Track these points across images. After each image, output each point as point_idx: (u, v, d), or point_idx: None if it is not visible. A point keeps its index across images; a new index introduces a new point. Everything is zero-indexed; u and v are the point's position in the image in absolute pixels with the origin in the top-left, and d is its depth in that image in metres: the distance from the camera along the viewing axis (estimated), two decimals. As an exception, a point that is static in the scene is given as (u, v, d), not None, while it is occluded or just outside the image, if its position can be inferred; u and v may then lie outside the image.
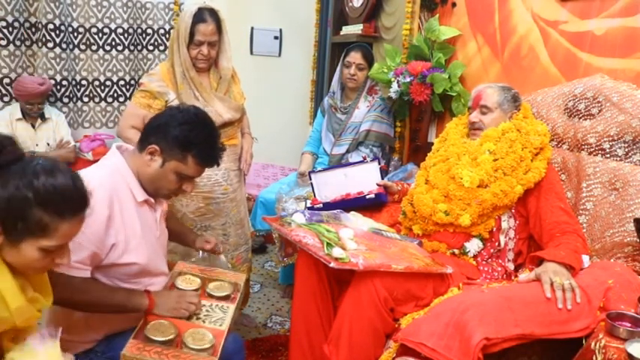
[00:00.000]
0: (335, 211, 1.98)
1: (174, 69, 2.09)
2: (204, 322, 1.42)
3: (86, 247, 1.35)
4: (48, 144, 3.27)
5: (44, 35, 3.40)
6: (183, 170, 1.46)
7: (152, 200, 1.53)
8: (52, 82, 3.45)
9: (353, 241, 1.64)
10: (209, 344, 1.32)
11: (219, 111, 2.12)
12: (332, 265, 1.49)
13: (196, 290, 1.55)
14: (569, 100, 1.99)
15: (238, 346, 1.57)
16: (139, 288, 1.48)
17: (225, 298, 1.55)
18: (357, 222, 1.95)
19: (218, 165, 1.55)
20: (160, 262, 1.59)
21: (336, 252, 1.53)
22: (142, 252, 1.47)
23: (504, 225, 1.83)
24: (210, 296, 1.54)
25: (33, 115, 3.20)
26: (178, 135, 1.44)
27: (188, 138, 1.44)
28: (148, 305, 1.39)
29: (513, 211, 1.84)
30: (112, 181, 1.43)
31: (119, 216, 1.42)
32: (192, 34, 2.05)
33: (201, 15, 2.05)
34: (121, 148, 1.56)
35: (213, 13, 2.09)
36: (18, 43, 3.33)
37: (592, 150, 1.88)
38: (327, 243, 1.58)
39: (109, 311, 1.42)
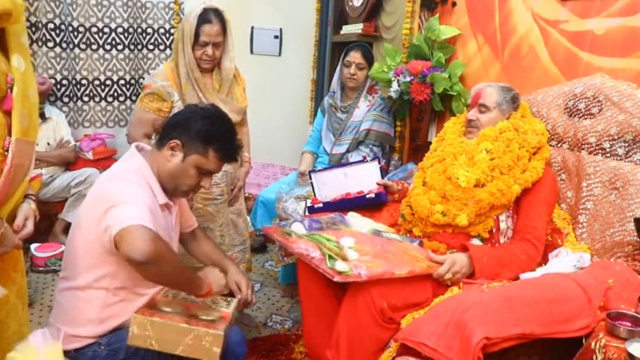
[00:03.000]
0: (333, 215, 1.98)
1: (179, 69, 2.08)
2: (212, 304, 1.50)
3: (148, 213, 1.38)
4: (48, 143, 3.27)
5: (44, 34, 3.41)
6: (204, 164, 1.49)
7: (171, 203, 1.55)
8: (52, 81, 3.45)
9: (354, 249, 1.64)
10: (217, 317, 1.39)
11: None
12: (336, 279, 1.49)
13: None
14: (570, 100, 1.99)
15: (240, 339, 1.60)
16: (149, 292, 1.51)
17: (228, 294, 1.62)
18: (356, 223, 1.95)
19: (236, 161, 1.59)
20: None
21: (339, 266, 1.53)
22: None
23: (502, 225, 1.83)
24: None
25: None
26: (200, 129, 1.47)
27: (210, 132, 1.48)
28: (207, 289, 1.48)
29: (511, 211, 1.84)
30: (139, 181, 1.46)
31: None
32: (197, 35, 2.04)
33: (207, 15, 2.04)
34: (139, 147, 1.57)
35: (219, 14, 2.07)
36: (18, 42, 3.32)
37: (592, 149, 1.89)
38: (330, 256, 1.58)
39: (179, 280, 1.43)
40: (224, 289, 1.53)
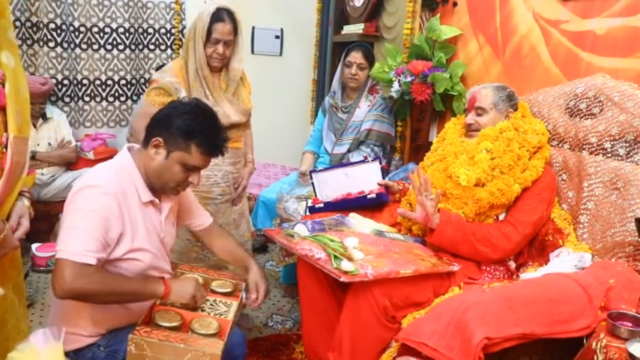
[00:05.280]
0: (335, 217, 1.98)
1: (188, 67, 2.11)
2: (209, 314, 1.46)
3: (95, 237, 1.34)
4: (49, 144, 3.27)
5: (45, 35, 3.41)
6: (187, 160, 1.47)
7: (157, 201, 1.54)
8: (54, 81, 3.46)
9: (358, 249, 1.64)
10: (215, 330, 1.36)
11: (227, 112, 2.14)
12: (342, 279, 1.49)
13: None
14: (571, 100, 1.99)
15: (240, 339, 1.60)
16: None
17: (229, 294, 1.59)
18: (358, 225, 1.95)
19: (223, 154, 1.55)
20: (164, 262, 1.60)
21: (345, 265, 1.53)
22: (146, 251, 1.49)
23: (502, 225, 1.83)
24: (214, 292, 1.59)
25: (34, 114, 3.19)
26: (181, 125, 1.45)
27: (190, 127, 1.45)
28: (164, 291, 1.41)
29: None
30: (119, 180, 1.44)
31: (126, 213, 1.43)
32: (209, 33, 2.08)
33: (220, 14, 2.09)
34: (132, 148, 1.57)
35: (231, 14, 2.12)
36: (19, 42, 3.33)
37: (593, 149, 1.88)
38: (335, 256, 1.58)
39: (126, 300, 1.42)
40: (184, 301, 1.44)
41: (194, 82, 2.11)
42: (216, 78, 2.19)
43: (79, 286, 1.28)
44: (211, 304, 1.52)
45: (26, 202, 1.38)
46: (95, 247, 1.33)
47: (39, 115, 3.22)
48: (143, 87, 3.90)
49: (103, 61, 3.67)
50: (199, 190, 2.16)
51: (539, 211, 1.81)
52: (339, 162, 2.81)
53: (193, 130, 1.45)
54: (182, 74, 2.13)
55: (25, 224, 1.35)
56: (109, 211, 1.38)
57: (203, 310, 1.47)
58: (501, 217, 1.83)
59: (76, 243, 1.31)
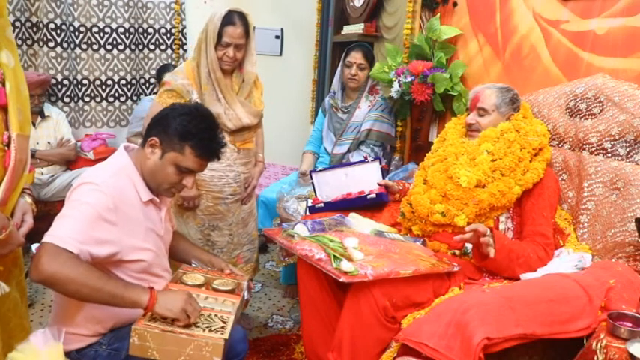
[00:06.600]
0: (335, 217, 1.98)
1: (200, 69, 2.12)
2: (203, 330, 1.33)
3: (82, 227, 1.32)
4: (49, 142, 3.27)
5: (45, 35, 3.41)
6: (181, 162, 1.47)
7: (157, 200, 1.55)
8: (54, 81, 3.46)
9: (358, 249, 1.64)
10: (218, 326, 1.35)
11: (239, 115, 2.15)
12: (342, 279, 1.49)
13: (201, 286, 1.58)
14: (571, 100, 1.99)
15: (242, 336, 1.60)
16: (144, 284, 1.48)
17: (230, 291, 1.59)
18: (358, 225, 1.95)
19: (218, 159, 1.55)
20: (164, 260, 1.61)
21: (345, 266, 1.53)
22: (147, 250, 1.50)
23: (502, 227, 1.83)
24: (215, 290, 1.58)
25: (33, 109, 3.17)
26: (177, 126, 1.46)
27: (186, 129, 1.46)
28: (149, 301, 1.31)
29: (511, 212, 1.84)
30: (117, 181, 1.44)
31: (123, 215, 1.42)
32: (219, 36, 2.08)
33: (230, 18, 2.08)
34: (128, 147, 1.57)
35: (243, 17, 2.11)
36: (19, 42, 3.34)
37: (593, 150, 1.88)
38: (335, 256, 1.58)
39: (103, 299, 1.31)
40: (172, 315, 1.32)
41: (206, 85, 2.12)
42: (228, 79, 2.19)
43: (52, 270, 1.24)
44: (206, 319, 1.39)
45: (29, 200, 1.39)
46: (80, 237, 1.30)
47: (37, 112, 3.21)
48: (143, 87, 3.90)
49: (103, 61, 3.67)
50: (211, 190, 2.17)
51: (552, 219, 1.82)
52: (339, 162, 2.81)
53: (189, 132, 1.46)
54: (194, 76, 2.13)
55: (29, 221, 1.36)
56: (102, 208, 1.36)
57: (197, 326, 1.34)
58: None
59: (61, 229, 1.31)
